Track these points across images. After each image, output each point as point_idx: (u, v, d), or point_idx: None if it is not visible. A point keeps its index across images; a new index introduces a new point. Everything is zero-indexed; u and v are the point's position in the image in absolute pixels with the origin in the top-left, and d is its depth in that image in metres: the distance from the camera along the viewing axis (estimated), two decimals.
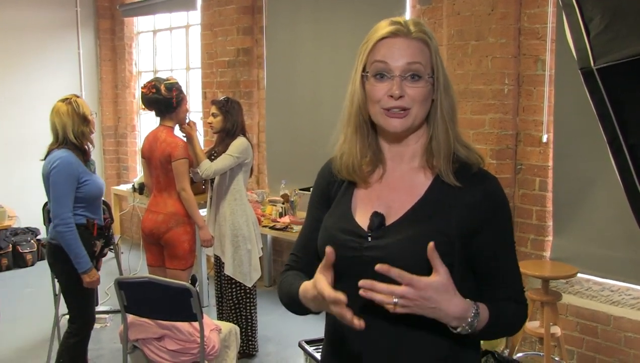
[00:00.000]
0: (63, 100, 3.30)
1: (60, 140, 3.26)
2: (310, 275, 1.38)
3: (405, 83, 1.33)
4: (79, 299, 3.32)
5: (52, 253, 3.31)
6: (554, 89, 3.85)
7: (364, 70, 1.37)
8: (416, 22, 1.38)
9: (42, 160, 3.31)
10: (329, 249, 1.29)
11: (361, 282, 1.19)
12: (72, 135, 3.25)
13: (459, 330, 1.27)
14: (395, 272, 1.19)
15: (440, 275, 1.22)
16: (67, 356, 3.36)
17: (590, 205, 3.73)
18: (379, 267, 1.19)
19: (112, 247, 3.60)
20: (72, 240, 3.17)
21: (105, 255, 3.53)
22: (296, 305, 1.44)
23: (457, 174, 1.37)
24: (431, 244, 1.22)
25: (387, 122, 1.36)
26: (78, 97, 3.36)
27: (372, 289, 1.20)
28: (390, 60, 1.33)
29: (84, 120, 3.28)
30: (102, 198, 3.52)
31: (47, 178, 3.22)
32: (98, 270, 3.49)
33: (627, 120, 1.69)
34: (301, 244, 1.56)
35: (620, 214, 3.47)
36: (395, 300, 1.20)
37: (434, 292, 1.21)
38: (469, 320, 1.26)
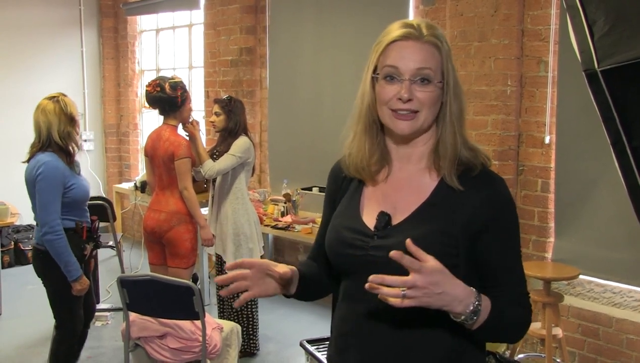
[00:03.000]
0: (50, 98, 3.18)
1: (44, 141, 3.14)
2: (325, 273, 1.54)
3: (415, 86, 1.34)
4: (67, 305, 3.25)
5: (39, 259, 3.20)
6: (557, 91, 3.85)
7: (375, 71, 1.38)
8: (429, 25, 1.38)
9: (24, 162, 3.22)
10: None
11: (372, 277, 1.18)
12: (57, 135, 3.13)
13: (463, 318, 1.25)
14: (407, 259, 1.18)
15: (434, 260, 1.20)
16: None
17: (592, 207, 3.73)
18: (393, 253, 1.17)
19: (102, 245, 3.54)
20: (62, 248, 3.08)
21: (94, 256, 3.47)
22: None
23: (462, 176, 1.37)
24: (408, 241, 1.19)
25: (394, 124, 1.37)
26: (65, 95, 3.25)
27: (382, 282, 1.18)
28: (401, 64, 1.34)
29: (71, 120, 3.17)
30: (103, 197, 3.51)
31: (32, 184, 3.12)
32: (90, 271, 3.47)
33: (631, 122, 1.69)
34: (315, 246, 1.62)
35: (623, 216, 3.46)
36: (404, 291, 1.18)
37: (439, 274, 1.20)
38: (473, 302, 1.25)
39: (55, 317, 3.33)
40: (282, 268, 1.41)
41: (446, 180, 1.37)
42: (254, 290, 1.40)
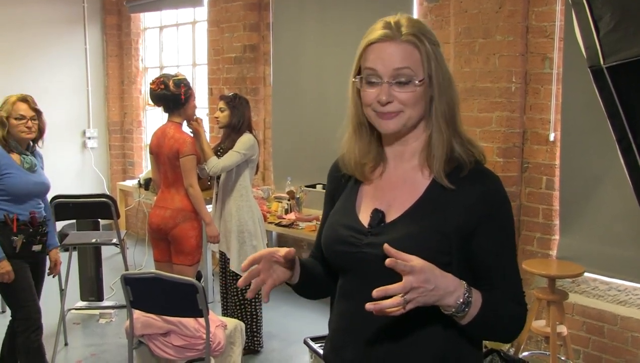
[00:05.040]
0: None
1: None
2: (326, 271, 1.53)
3: (394, 88, 1.33)
4: (12, 293, 3.26)
5: None
6: (562, 87, 3.83)
7: (359, 73, 1.38)
8: (409, 23, 1.35)
9: None
10: (292, 250, 1.39)
11: (375, 292, 1.18)
12: None
13: (454, 310, 1.25)
14: (400, 264, 1.18)
15: (418, 259, 1.21)
16: (23, 357, 3.32)
17: (597, 204, 3.72)
18: (388, 262, 1.18)
19: (39, 242, 3.40)
20: None
21: (37, 251, 3.37)
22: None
23: (453, 174, 1.36)
24: (386, 245, 1.21)
25: (379, 124, 1.37)
26: (17, 96, 3.33)
27: (385, 294, 1.18)
28: (378, 67, 1.33)
29: (7, 117, 3.25)
30: (106, 194, 3.48)
31: None
32: (41, 271, 3.45)
33: (637, 119, 1.68)
34: (316, 243, 1.61)
35: (628, 213, 3.45)
36: (404, 297, 1.18)
37: (428, 271, 1.20)
38: (464, 294, 1.25)
39: (9, 307, 3.37)
40: (283, 250, 1.39)
41: (436, 179, 1.37)
42: (268, 281, 1.38)
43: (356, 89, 1.40)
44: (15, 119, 3.27)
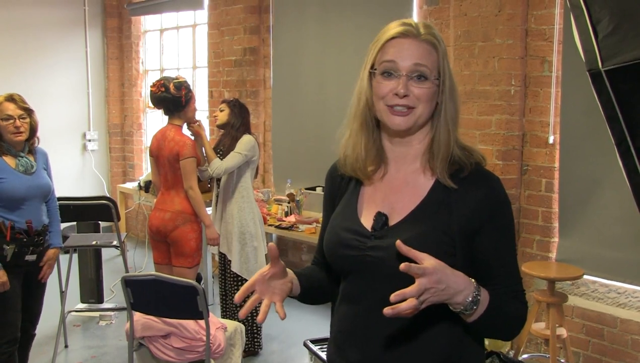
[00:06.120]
0: None
1: None
2: (328, 276, 1.55)
3: (411, 83, 1.35)
4: None
5: None
6: (561, 90, 3.84)
7: (372, 67, 1.39)
8: (426, 24, 1.40)
9: None
10: (271, 245, 1.40)
11: (393, 297, 1.18)
12: None
13: (462, 308, 1.26)
14: (414, 267, 1.19)
15: (430, 258, 1.22)
16: None
17: (596, 207, 3.72)
18: (402, 266, 1.18)
19: (40, 250, 3.29)
20: None
21: (31, 261, 3.24)
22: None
23: (455, 175, 1.38)
24: (398, 242, 1.23)
25: (390, 119, 1.38)
26: (7, 96, 3.21)
27: (403, 298, 1.18)
28: (399, 60, 1.35)
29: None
30: (107, 196, 3.45)
31: None
32: (39, 279, 3.31)
33: (635, 122, 1.69)
34: (319, 246, 1.62)
35: (627, 215, 3.46)
36: (420, 298, 1.19)
37: (440, 271, 1.22)
38: (473, 292, 1.26)
39: None
40: (267, 266, 1.40)
41: (439, 179, 1.38)
42: (275, 299, 1.39)
43: (369, 83, 1.41)
44: (3, 119, 3.13)
